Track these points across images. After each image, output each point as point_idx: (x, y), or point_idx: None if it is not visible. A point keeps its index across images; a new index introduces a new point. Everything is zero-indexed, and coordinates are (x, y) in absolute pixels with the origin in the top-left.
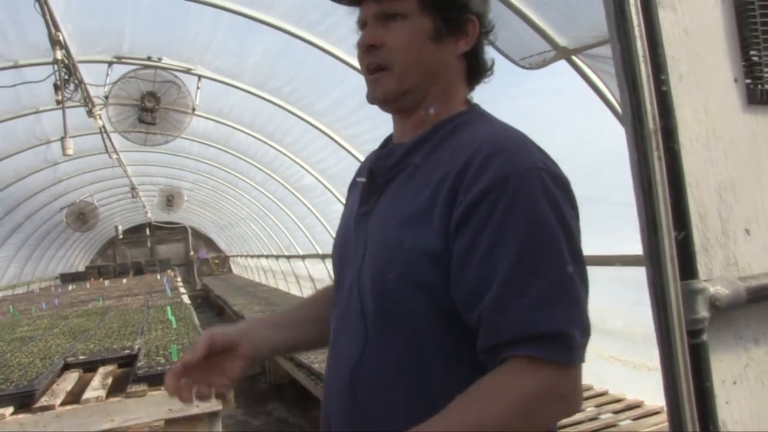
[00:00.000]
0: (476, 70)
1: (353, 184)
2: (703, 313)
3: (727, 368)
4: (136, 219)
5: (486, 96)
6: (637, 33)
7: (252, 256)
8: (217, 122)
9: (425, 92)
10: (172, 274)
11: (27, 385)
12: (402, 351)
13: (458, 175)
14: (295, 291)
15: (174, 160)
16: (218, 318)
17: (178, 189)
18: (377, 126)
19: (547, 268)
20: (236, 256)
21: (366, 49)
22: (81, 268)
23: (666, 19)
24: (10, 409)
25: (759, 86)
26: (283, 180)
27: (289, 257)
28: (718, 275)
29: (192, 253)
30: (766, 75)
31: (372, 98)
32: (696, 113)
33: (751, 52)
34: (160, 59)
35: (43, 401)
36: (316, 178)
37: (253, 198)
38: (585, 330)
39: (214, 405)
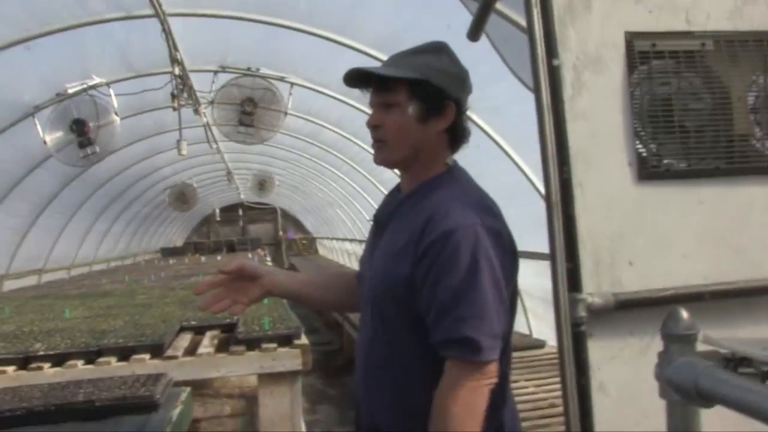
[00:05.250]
0: (456, 139)
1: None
2: (582, 313)
3: (608, 349)
4: (230, 199)
5: None
6: (548, 141)
7: (337, 239)
8: (306, 120)
9: (413, 159)
10: (262, 253)
11: (157, 340)
12: (391, 340)
13: (422, 225)
14: None
15: (267, 150)
16: None
17: (269, 174)
18: None
19: (467, 295)
20: (323, 238)
21: (372, 127)
22: (178, 244)
23: (580, 127)
24: (148, 356)
25: (644, 168)
26: (366, 172)
27: None
28: (603, 291)
29: (281, 233)
30: (650, 161)
31: (376, 160)
32: (598, 187)
33: (641, 144)
34: (258, 69)
35: (169, 352)
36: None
37: (339, 186)
38: (493, 336)
39: (295, 365)
